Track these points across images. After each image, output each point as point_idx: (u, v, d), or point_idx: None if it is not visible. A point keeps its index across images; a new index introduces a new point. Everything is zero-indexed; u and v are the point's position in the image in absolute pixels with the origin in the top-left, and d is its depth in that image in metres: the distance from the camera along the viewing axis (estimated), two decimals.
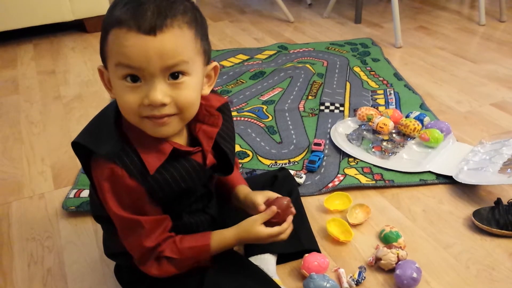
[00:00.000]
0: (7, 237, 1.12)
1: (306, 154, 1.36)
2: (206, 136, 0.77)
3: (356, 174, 1.26)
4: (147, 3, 0.63)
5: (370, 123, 1.42)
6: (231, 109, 0.97)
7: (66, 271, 1.02)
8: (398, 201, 1.18)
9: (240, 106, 1.63)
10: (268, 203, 0.82)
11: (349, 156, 1.33)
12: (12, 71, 2.02)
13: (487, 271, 0.97)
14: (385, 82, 1.78)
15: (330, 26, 2.43)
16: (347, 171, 1.27)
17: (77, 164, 1.34)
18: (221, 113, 0.81)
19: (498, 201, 1.10)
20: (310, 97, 1.67)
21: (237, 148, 1.38)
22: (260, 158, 1.34)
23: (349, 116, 1.54)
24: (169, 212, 0.78)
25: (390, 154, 1.32)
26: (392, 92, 1.69)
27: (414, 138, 1.39)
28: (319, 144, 1.34)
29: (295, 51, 2.10)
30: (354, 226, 1.09)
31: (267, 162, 1.33)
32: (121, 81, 0.66)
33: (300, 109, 1.60)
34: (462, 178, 1.19)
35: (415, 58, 2.00)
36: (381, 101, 1.64)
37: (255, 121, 1.53)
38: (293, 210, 0.84)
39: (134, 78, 0.65)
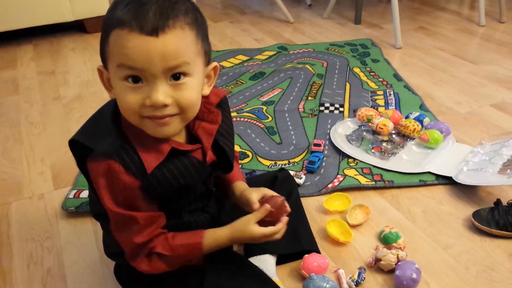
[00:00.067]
0: (7, 237, 1.12)
1: (305, 154, 1.36)
2: (205, 133, 0.77)
3: (355, 175, 1.26)
4: (149, 4, 0.63)
5: (369, 124, 1.42)
6: (231, 109, 0.97)
7: (66, 271, 1.02)
8: (397, 202, 1.18)
9: (240, 106, 1.63)
10: (263, 202, 0.82)
11: (348, 156, 1.33)
12: (12, 71, 2.02)
13: (487, 272, 0.97)
14: (384, 83, 1.78)
15: (330, 26, 2.44)
16: (346, 171, 1.27)
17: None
18: (220, 108, 0.81)
19: (498, 202, 1.10)
20: (310, 98, 1.68)
21: (237, 149, 1.38)
22: (259, 159, 1.34)
23: (348, 117, 1.54)
24: (169, 211, 0.78)
25: (390, 154, 1.32)
26: (391, 92, 1.69)
27: (414, 139, 1.39)
28: (319, 145, 1.34)
29: (295, 51, 2.10)
30: (353, 226, 1.09)
31: (267, 162, 1.33)
32: (122, 82, 0.66)
33: (299, 109, 1.60)
34: (461, 179, 1.19)
35: (415, 59, 2.00)
36: (381, 101, 1.64)
37: (254, 122, 1.53)
38: (288, 208, 0.83)
39: (136, 79, 0.65)
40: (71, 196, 1.21)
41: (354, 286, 0.94)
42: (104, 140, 0.70)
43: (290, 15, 2.51)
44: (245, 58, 2.05)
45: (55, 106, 1.71)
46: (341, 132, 1.44)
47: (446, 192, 1.21)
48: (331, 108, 1.60)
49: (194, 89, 0.69)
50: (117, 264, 0.92)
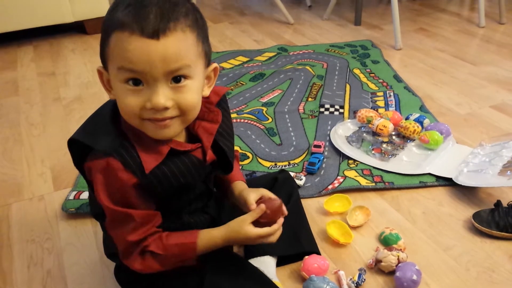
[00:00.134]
0: (7, 239, 1.12)
1: (306, 156, 1.36)
2: (206, 132, 0.77)
3: (356, 176, 1.26)
4: (150, 5, 0.63)
5: (370, 125, 1.42)
6: (231, 111, 0.97)
7: (66, 272, 1.02)
8: (398, 203, 1.18)
9: (240, 108, 1.63)
10: (260, 203, 0.81)
11: (349, 158, 1.33)
12: (12, 72, 2.02)
13: (487, 273, 0.97)
14: (385, 84, 1.78)
15: (330, 28, 2.44)
16: (347, 173, 1.27)
17: None
18: (220, 108, 0.81)
19: (498, 203, 1.10)
20: (310, 99, 1.68)
21: (237, 150, 1.38)
22: (260, 160, 1.34)
23: (349, 118, 1.54)
24: (169, 211, 0.78)
25: (390, 156, 1.32)
26: (392, 94, 1.69)
27: (414, 140, 1.39)
28: (319, 146, 1.34)
29: (295, 53, 2.10)
30: (354, 228, 1.09)
31: (267, 164, 1.33)
32: (123, 84, 0.66)
33: (300, 111, 1.60)
34: (462, 180, 1.19)
35: (414, 60, 2.01)
36: (381, 103, 1.64)
37: (255, 123, 1.53)
38: (285, 211, 0.83)
39: (136, 82, 0.65)
40: (71, 197, 1.21)
41: None
42: (104, 139, 0.70)
43: (290, 16, 2.51)
44: (245, 59, 2.06)
45: (55, 107, 1.71)
46: (341, 133, 1.44)
47: (446, 193, 1.21)
48: (331, 109, 1.60)
49: (195, 91, 0.69)
50: (117, 265, 0.92)
